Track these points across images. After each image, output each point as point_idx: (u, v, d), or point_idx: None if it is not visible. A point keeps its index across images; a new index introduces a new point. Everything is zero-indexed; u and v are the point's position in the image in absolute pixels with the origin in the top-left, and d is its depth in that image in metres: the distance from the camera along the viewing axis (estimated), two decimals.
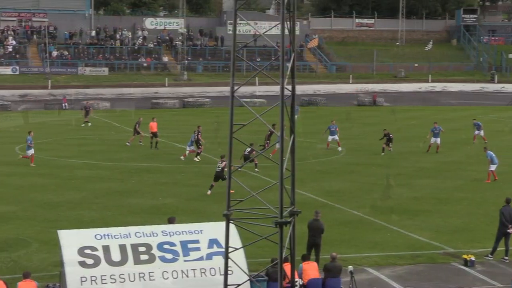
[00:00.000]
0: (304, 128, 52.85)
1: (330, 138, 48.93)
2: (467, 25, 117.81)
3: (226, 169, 38.17)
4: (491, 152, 39.48)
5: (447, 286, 22.42)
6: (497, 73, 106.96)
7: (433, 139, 48.09)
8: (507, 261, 25.15)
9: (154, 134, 48.04)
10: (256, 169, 39.82)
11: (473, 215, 31.40)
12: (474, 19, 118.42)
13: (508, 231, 25.08)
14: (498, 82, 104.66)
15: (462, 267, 24.19)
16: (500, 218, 25.29)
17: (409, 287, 22.22)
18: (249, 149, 37.63)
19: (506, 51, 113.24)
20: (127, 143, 48.81)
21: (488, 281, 22.82)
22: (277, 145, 41.91)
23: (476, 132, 53.37)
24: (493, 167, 39.17)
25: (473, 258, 24.25)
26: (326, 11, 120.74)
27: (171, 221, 22.11)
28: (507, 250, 25.36)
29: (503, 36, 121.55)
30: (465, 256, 24.61)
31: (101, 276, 18.26)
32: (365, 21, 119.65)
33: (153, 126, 47.89)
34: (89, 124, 59.65)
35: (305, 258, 20.83)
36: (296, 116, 50.95)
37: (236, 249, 16.15)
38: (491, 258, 25.18)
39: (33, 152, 41.62)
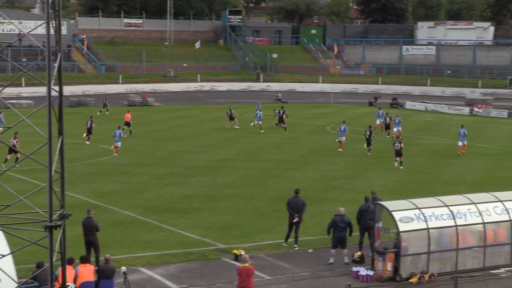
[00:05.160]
0: (73, 129, 51.93)
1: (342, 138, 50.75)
2: (233, 26, 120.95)
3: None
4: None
5: (219, 281, 22.92)
6: (262, 73, 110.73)
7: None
8: (297, 248, 26.34)
9: (128, 124, 55.91)
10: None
11: (242, 211, 32.32)
12: (239, 20, 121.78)
13: (294, 220, 26.31)
14: (264, 81, 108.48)
15: (233, 262, 24.82)
16: (287, 208, 26.71)
17: (182, 285, 22.49)
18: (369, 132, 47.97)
19: (270, 51, 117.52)
20: None
21: (257, 274, 23.54)
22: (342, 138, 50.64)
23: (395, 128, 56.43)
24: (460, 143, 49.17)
25: (243, 252, 24.89)
26: (93, 10, 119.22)
27: None
28: (296, 238, 26.58)
29: (267, 36, 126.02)
30: (235, 251, 25.28)
31: None
32: (133, 21, 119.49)
33: (128, 117, 56.70)
34: (107, 112, 70.74)
35: (84, 259, 20.36)
36: (381, 120, 56.84)
37: (4, 256, 15.60)
38: (286, 245, 26.55)
39: None
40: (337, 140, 50.66)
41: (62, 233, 14.47)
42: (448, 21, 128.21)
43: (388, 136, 56.18)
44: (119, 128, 48.59)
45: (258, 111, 61.04)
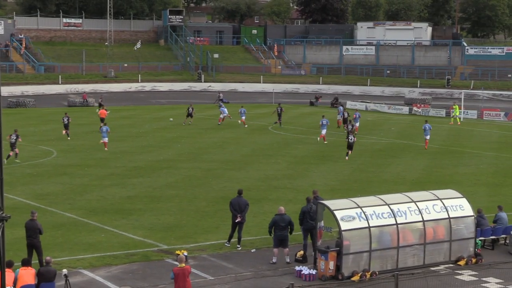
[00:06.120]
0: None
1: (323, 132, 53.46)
2: (174, 26, 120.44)
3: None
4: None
5: (161, 282, 22.82)
6: (204, 73, 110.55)
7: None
8: (239, 248, 26.35)
9: (102, 120, 57.69)
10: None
11: (185, 211, 32.22)
12: (180, 20, 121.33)
13: (237, 220, 26.34)
14: (205, 81, 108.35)
15: (176, 262, 24.71)
16: (230, 208, 26.69)
17: (124, 287, 22.33)
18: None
19: (211, 51, 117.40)
20: None
21: (200, 274, 23.55)
22: (323, 131, 53.42)
23: (357, 124, 58.34)
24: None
25: (185, 253, 24.86)
26: (32, 10, 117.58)
27: None
28: (239, 238, 26.61)
29: (208, 36, 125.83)
30: (178, 252, 25.15)
31: None
32: (72, 21, 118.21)
33: (103, 113, 59.51)
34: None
35: (25, 262, 20.15)
36: (341, 116, 59.02)
37: None
38: (228, 245, 26.58)
39: None
40: (321, 135, 53.38)
41: (1, 236, 14.25)
42: (387, 21, 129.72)
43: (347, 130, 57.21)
44: (104, 124, 52.18)
45: (222, 108, 65.89)
